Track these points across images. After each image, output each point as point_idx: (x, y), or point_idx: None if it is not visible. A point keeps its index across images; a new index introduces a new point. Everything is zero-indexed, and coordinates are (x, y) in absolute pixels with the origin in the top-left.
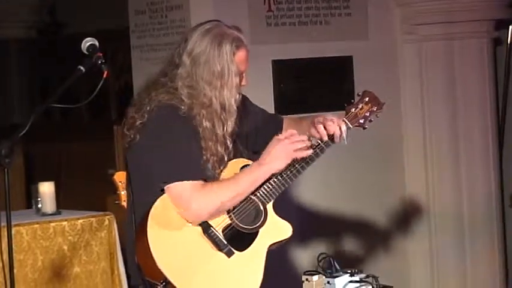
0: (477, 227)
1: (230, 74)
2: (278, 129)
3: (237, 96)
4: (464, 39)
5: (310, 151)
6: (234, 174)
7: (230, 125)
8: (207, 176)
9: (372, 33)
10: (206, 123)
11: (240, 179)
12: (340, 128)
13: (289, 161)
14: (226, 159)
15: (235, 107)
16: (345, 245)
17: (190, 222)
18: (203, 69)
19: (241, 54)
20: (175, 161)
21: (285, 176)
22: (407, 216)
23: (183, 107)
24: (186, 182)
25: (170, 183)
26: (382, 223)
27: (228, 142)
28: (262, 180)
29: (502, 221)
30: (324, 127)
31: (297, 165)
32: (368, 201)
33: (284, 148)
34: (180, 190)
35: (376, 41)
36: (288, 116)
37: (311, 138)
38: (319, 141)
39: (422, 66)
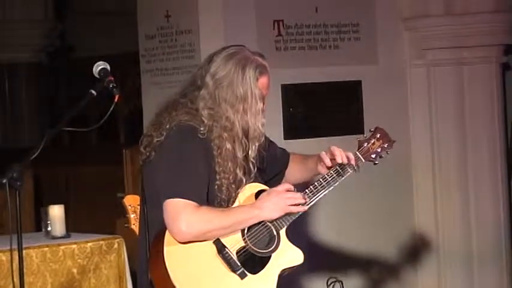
0: (486, 258)
1: (254, 98)
2: (284, 166)
3: (263, 120)
4: (473, 64)
5: (305, 207)
6: (246, 200)
7: (254, 150)
8: (222, 198)
9: (381, 58)
10: (227, 145)
11: (229, 216)
12: (347, 157)
13: (280, 215)
14: (244, 182)
15: (261, 131)
16: (353, 274)
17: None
18: (226, 92)
19: (263, 80)
20: (177, 178)
21: None
22: (416, 247)
23: (202, 128)
24: (180, 199)
25: (167, 199)
26: (390, 253)
27: (251, 166)
28: (249, 225)
29: (511, 252)
30: (331, 159)
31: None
32: (376, 230)
33: (279, 201)
34: (171, 206)
35: (385, 66)
36: (294, 152)
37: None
38: (329, 173)
39: (431, 91)
